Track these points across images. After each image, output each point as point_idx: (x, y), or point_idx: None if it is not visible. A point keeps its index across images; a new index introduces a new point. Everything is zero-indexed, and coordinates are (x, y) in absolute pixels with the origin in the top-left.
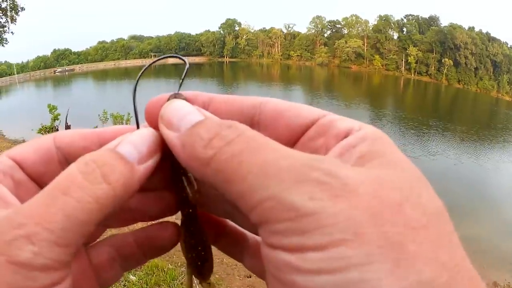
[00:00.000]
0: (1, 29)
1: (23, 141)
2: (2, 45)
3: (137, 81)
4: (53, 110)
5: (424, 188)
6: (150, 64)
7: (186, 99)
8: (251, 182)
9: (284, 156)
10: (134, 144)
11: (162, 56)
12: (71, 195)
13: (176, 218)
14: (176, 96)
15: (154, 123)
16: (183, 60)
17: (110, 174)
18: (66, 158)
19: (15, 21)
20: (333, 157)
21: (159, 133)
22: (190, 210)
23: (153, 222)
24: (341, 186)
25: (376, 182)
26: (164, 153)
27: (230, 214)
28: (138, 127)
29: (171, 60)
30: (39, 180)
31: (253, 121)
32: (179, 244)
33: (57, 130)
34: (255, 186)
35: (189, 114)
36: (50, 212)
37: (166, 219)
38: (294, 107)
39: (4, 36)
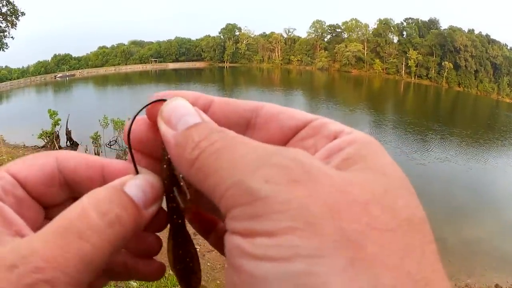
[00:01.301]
0: (1, 34)
1: (24, 146)
2: (3, 50)
3: (130, 127)
4: (53, 116)
5: (404, 195)
6: (139, 111)
7: (188, 100)
8: (221, 174)
9: (256, 149)
10: (142, 189)
11: (151, 102)
12: (86, 239)
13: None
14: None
15: (154, 118)
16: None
17: (124, 216)
18: (67, 183)
19: (15, 26)
20: (320, 158)
21: (162, 179)
22: (179, 221)
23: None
24: (302, 172)
25: (346, 179)
26: (159, 156)
27: (217, 212)
28: (137, 171)
29: (171, 65)
30: (39, 199)
31: (250, 124)
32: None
33: (58, 135)
34: (224, 178)
35: (188, 115)
36: (67, 257)
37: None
38: (288, 110)
39: (5, 41)
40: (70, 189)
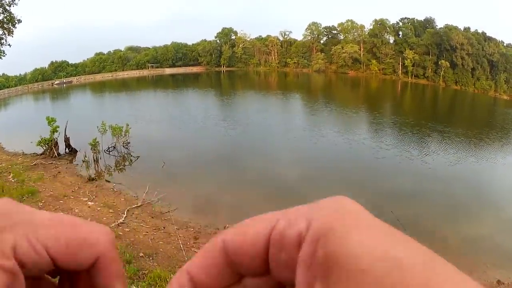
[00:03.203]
0: None
1: (23, 153)
2: (0, 58)
3: None
4: (52, 123)
5: None
6: None
7: None
8: None
9: None
10: None
11: None
12: None
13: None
14: None
15: None
16: None
17: None
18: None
19: (12, 34)
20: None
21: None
22: None
23: None
24: None
25: None
26: None
27: None
28: None
29: (168, 71)
30: None
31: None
32: (183, 254)
33: (56, 142)
34: None
35: None
36: None
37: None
38: (248, 236)
39: (2, 49)
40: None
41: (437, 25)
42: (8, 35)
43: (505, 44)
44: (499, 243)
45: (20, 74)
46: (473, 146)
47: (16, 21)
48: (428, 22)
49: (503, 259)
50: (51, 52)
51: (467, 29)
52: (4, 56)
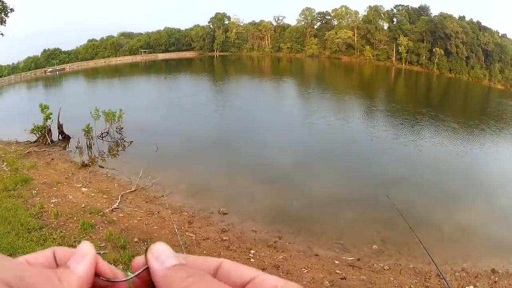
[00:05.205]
0: None
1: (16, 141)
2: None
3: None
4: (45, 110)
5: None
6: (133, 276)
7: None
8: None
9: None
10: (75, 259)
11: (142, 269)
12: None
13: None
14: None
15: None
16: None
17: (63, 279)
18: None
19: (4, 23)
20: None
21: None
22: None
23: None
24: None
25: None
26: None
27: None
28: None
29: (161, 56)
30: None
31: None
32: (177, 239)
33: (50, 129)
34: None
35: (172, 257)
36: None
37: None
38: (237, 268)
39: None
40: None
41: (431, 13)
42: (1, 24)
43: (500, 34)
44: (494, 232)
45: (12, 63)
46: (476, 135)
47: (9, 10)
48: (423, 10)
49: (497, 248)
50: (44, 41)
51: (462, 18)
52: None
